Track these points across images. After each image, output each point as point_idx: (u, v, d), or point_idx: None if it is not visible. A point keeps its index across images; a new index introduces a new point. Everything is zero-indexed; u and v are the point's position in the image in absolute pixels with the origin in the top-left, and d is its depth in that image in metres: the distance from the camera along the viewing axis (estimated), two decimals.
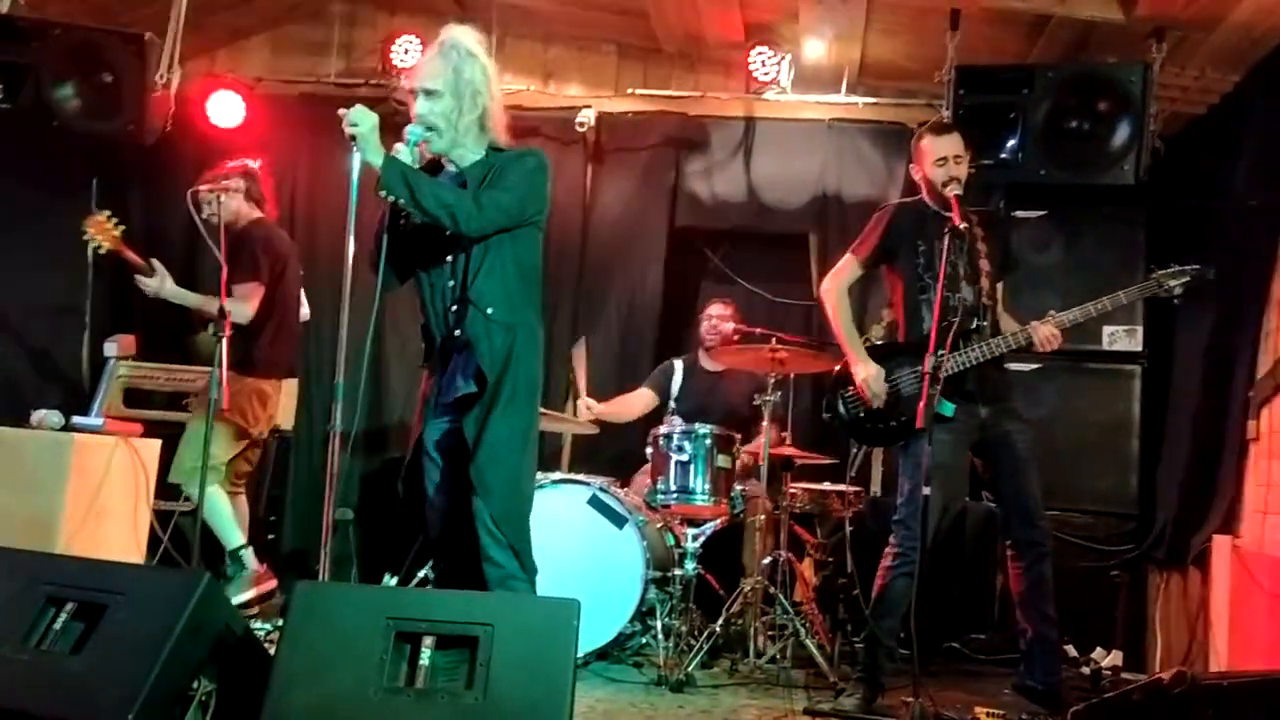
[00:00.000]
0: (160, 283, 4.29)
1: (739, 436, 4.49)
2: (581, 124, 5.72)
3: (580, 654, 2.94)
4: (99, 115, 4.74)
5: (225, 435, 4.31)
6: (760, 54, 5.46)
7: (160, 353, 5.40)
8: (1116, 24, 4.53)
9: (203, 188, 3.86)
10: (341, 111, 2.95)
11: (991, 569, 4.94)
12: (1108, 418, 4.93)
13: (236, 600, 4.11)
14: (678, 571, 4.25)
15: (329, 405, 5.91)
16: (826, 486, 4.70)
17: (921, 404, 3.35)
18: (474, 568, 3.00)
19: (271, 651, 2.64)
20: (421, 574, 4.71)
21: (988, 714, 3.46)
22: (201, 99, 5.70)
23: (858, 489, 4.68)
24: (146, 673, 2.33)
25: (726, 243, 6.11)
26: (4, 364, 5.45)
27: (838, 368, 3.94)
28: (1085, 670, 4.39)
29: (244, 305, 4.35)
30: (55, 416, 3.45)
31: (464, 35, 3.13)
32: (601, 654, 4.18)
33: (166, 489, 3.94)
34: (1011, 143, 4.64)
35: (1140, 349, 4.90)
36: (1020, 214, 5.01)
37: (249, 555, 4.28)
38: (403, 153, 3.02)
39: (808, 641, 4.13)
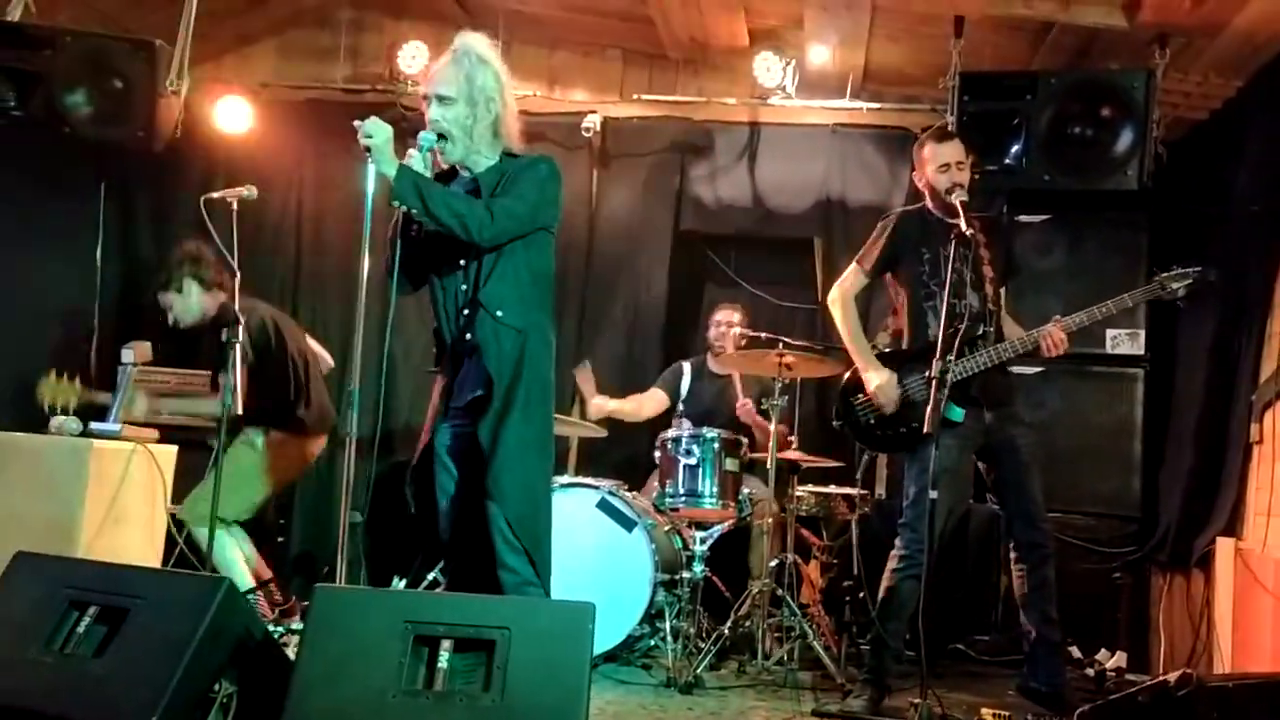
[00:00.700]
0: (146, 404, 4.22)
1: (746, 441, 4.53)
2: (587, 129, 5.75)
3: None
4: (110, 122, 4.77)
5: (259, 492, 4.32)
6: (765, 59, 5.51)
7: (170, 357, 5.43)
8: (1119, 30, 4.56)
9: (215, 195, 3.89)
10: (357, 123, 2.97)
11: (995, 570, 4.98)
12: (1111, 420, 4.97)
13: None
14: (686, 574, 4.29)
15: (335, 410, 5.98)
16: (832, 489, 4.74)
17: (929, 409, 3.38)
18: (486, 572, 3.02)
19: (289, 655, 2.69)
20: (430, 576, 4.76)
21: (993, 715, 3.49)
22: (208, 105, 5.74)
23: (863, 492, 4.72)
24: (169, 676, 2.36)
25: (731, 247, 6.14)
26: (14, 368, 5.47)
27: (847, 375, 3.97)
28: (1089, 672, 4.43)
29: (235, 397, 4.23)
30: (74, 423, 3.48)
31: (477, 42, 3.17)
32: (610, 656, 4.22)
33: (181, 494, 3.97)
34: (1015, 148, 4.68)
35: (1143, 352, 4.94)
36: (1023, 219, 5.05)
37: (256, 601, 4.28)
38: (415, 159, 3.04)
39: (814, 643, 4.17)
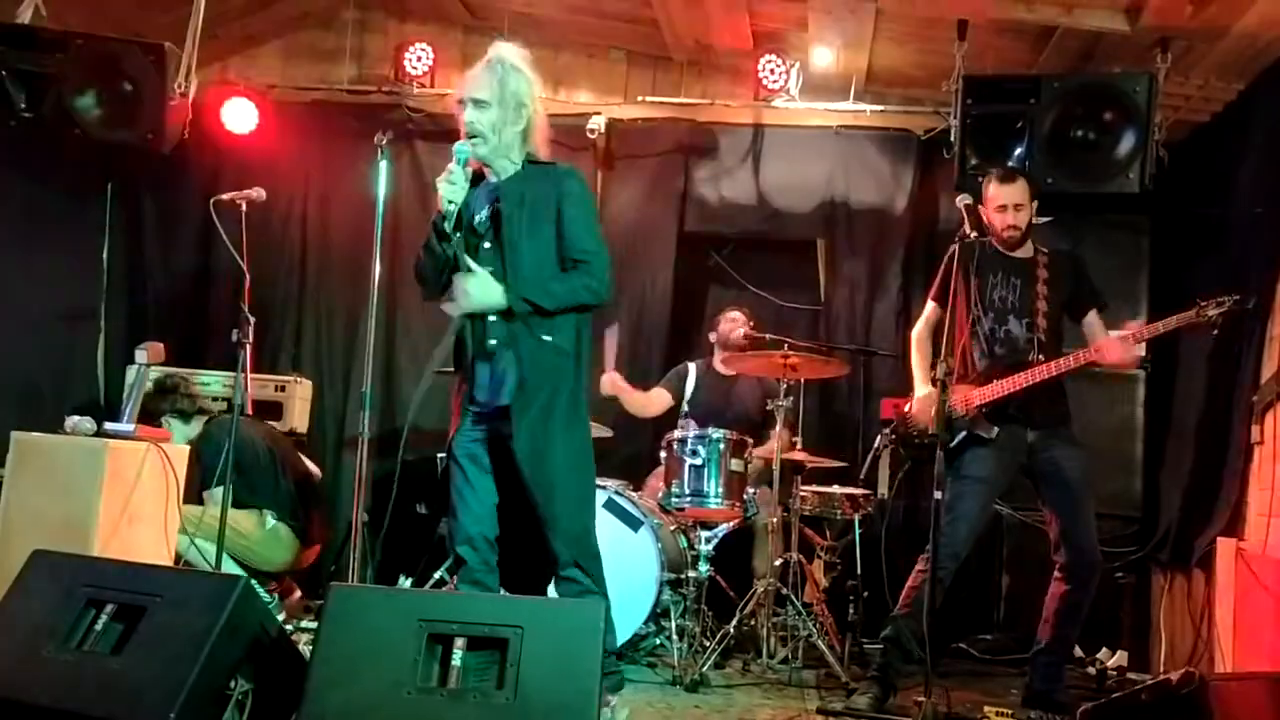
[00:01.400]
0: None
1: (751, 441, 4.56)
2: (591, 131, 5.77)
3: None
4: (119, 124, 4.80)
5: (236, 556, 4.24)
6: (769, 61, 5.56)
7: (177, 358, 5.47)
8: (1122, 34, 4.59)
9: (225, 197, 3.92)
10: (460, 287, 3.08)
11: (998, 571, 5.02)
12: (1112, 422, 5.01)
13: None
14: (691, 574, 4.32)
15: (340, 410, 6.00)
16: (836, 489, 4.77)
17: (934, 411, 3.44)
18: (522, 571, 3.14)
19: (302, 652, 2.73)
20: (437, 575, 4.79)
21: (997, 714, 3.53)
22: (215, 106, 5.77)
23: (866, 492, 4.75)
24: (187, 673, 2.40)
25: (735, 248, 6.17)
26: (22, 368, 5.51)
27: (907, 406, 4.08)
28: (1091, 670, 4.47)
29: (210, 508, 4.15)
30: (88, 423, 3.51)
31: (510, 51, 3.26)
32: (617, 655, 4.24)
33: (192, 494, 4.00)
34: (1018, 151, 4.71)
35: (1144, 354, 4.97)
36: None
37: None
38: (456, 172, 3.11)
39: (818, 642, 4.20)
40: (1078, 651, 4.58)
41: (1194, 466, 4.64)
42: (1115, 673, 4.45)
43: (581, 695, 2.36)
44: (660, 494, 4.54)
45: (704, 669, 3.98)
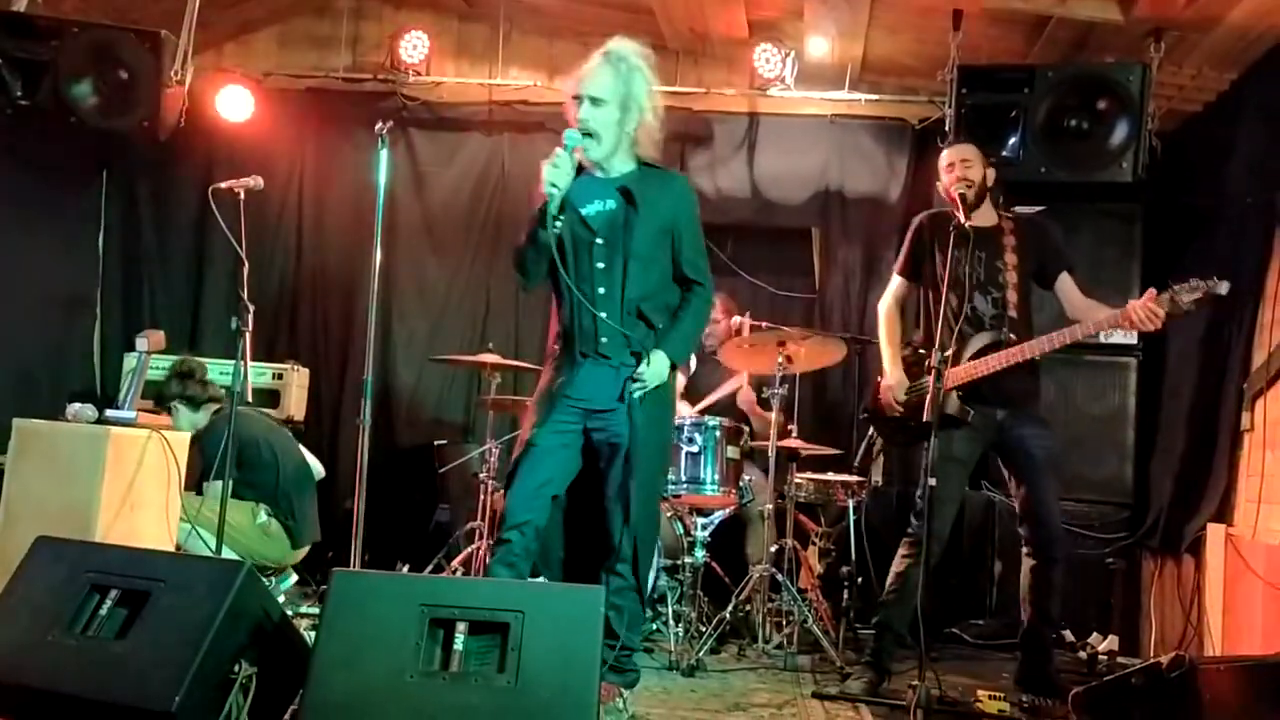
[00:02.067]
0: None
1: (747, 429, 4.59)
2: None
3: None
4: (116, 111, 4.81)
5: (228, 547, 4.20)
6: (764, 50, 5.57)
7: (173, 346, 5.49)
8: (1115, 24, 4.62)
9: (223, 185, 3.92)
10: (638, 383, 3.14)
11: (990, 556, 5.06)
12: (1104, 408, 5.05)
13: None
14: (687, 560, 4.36)
15: (336, 398, 6.01)
16: (830, 476, 4.80)
17: (928, 400, 3.46)
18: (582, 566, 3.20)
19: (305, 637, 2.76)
20: (434, 561, 4.84)
21: (989, 697, 3.56)
22: (210, 93, 5.77)
23: (861, 479, 4.79)
24: (191, 657, 2.43)
25: (730, 236, 6.18)
26: (18, 356, 5.52)
27: (880, 377, 4.06)
28: (1082, 655, 4.51)
29: (209, 500, 4.12)
30: (89, 410, 3.53)
31: (631, 49, 3.24)
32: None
33: (192, 482, 4.02)
34: (1012, 140, 4.74)
35: (1135, 341, 5.00)
36: (1019, 209, 5.11)
37: None
38: (562, 157, 3.09)
39: (813, 627, 4.24)
40: (1069, 636, 4.64)
41: (1185, 453, 4.69)
42: (1106, 657, 4.49)
43: (582, 678, 2.39)
44: None
45: (700, 654, 4.01)
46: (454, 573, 4.67)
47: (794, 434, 4.72)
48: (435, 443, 5.63)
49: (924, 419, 3.47)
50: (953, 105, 4.76)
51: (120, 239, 6.10)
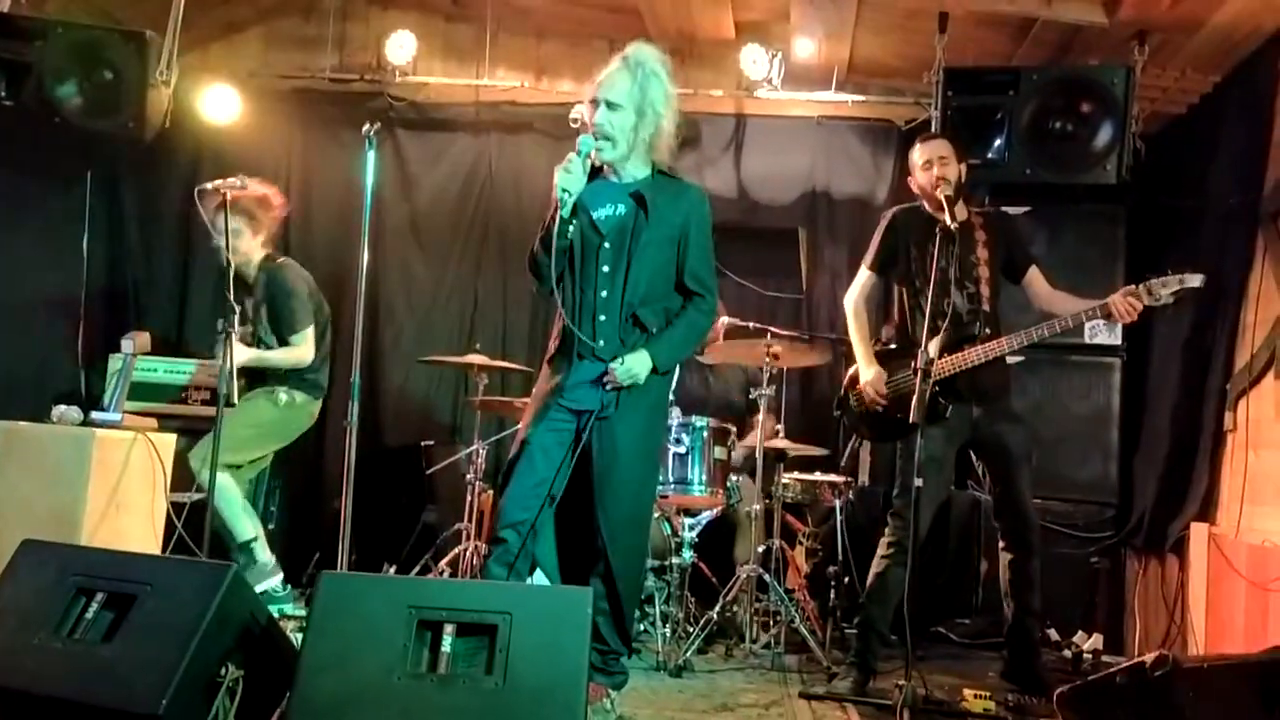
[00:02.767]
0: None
1: (734, 429, 4.60)
2: (574, 120, 5.75)
3: None
4: (100, 112, 4.77)
5: (264, 448, 4.57)
6: (751, 51, 5.59)
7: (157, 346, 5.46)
8: (1100, 27, 4.65)
9: (209, 186, 3.90)
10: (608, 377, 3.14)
11: (976, 555, 5.08)
12: (1088, 409, 5.08)
13: None
14: (675, 560, 4.37)
15: (325, 399, 5.99)
16: (817, 476, 4.82)
17: (914, 400, 3.47)
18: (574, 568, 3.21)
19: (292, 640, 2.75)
20: (421, 563, 4.83)
21: (975, 696, 3.58)
22: (196, 94, 5.73)
23: (848, 479, 4.80)
24: (177, 660, 2.42)
25: (716, 237, 6.17)
26: (2, 356, 5.48)
27: (851, 371, 4.06)
28: (1067, 653, 4.53)
29: (303, 350, 4.57)
30: (74, 412, 3.52)
31: (650, 55, 3.26)
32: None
33: (179, 481, 4.01)
34: (998, 142, 4.76)
35: (1120, 342, 5.04)
36: (1006, 210, 5.13)
37: (260, 548, 4.34)
38: (575, 162, 3.11)
39: (800, 627, 4.25)
40: (1054, 635, 4.66)
41: (1169, 453, 4.72)
42: (1091, 655, 4.52)
43: (569, 679, 2.40)
44: None
45: (687, 654, 4.02)
46: (441, 574, 4.67)
47: (781, 434, 4.73)
48: (422, 443, 5.62)
49: (907, 417, 3.48)
50: (938, 107, 4.78)
51: (105, 240, 6.05)
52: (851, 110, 5.82)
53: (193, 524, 3.63)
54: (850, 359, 4.09)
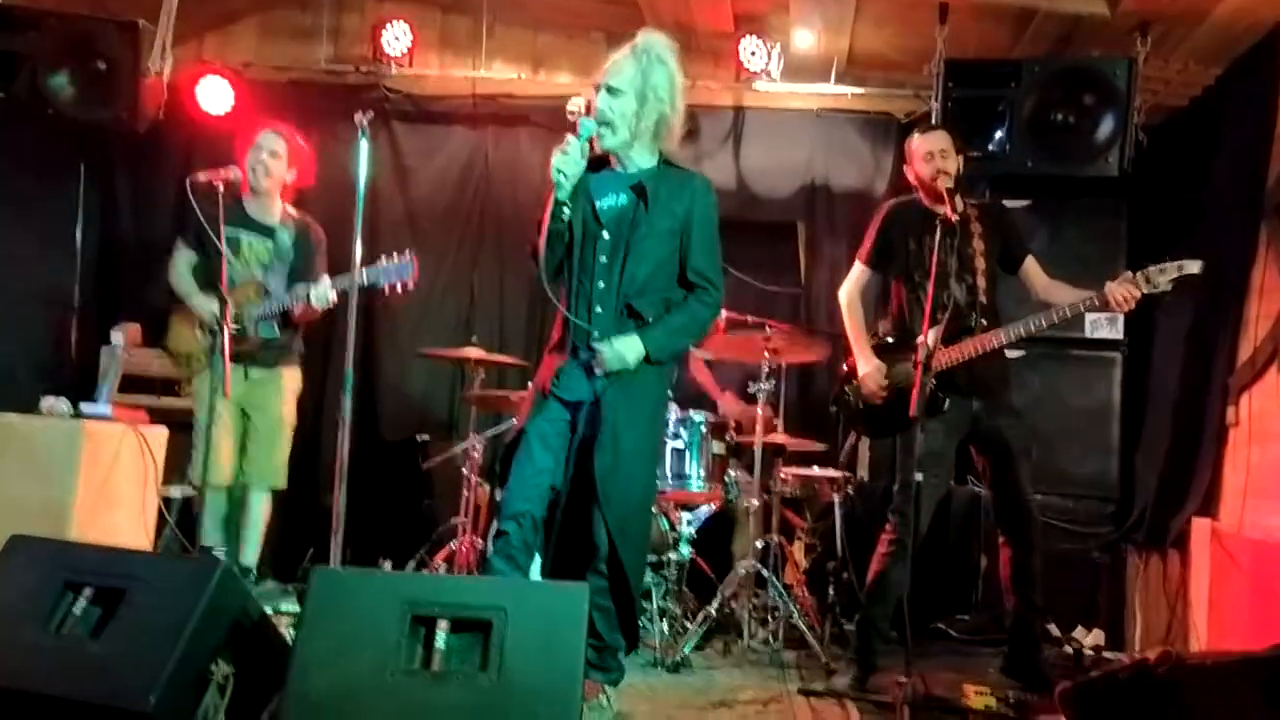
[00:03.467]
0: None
1: (732, 424, 4.57)
2: (572, 112, 5.69)
3: None
4: (93, 103, 4.75)
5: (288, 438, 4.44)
6: (750, 44, 5.53)
7: (151, 338, 5.42)
8: (1102, 18, 4.62)
9: (202, 176, 3.86)
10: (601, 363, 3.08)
11: (975, 551, 5.05)
12: (1089, 403, 5.04)
13: None
14: (673, 556, 4.34)
15: (318, 391, 5.96)
16: (816, 472, 4.79)
17: (914, 394, 3.43)
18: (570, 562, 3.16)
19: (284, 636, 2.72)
20: (416, 557, 4.80)
21: (976, 692, 3.55)
22: (189, 85, 5.68)
23: (846, 474, 4.77)
24: (167, 656, 2.38)
25: None
26: None
27: (846, 364, 4.02)
28: (1068, 649, 4.51)
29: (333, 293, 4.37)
30: (64, 404, 3.48)
31: (657, 42, 3.20)
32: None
33: (169, 475, 3.98)
34: (999, 135, 4.74)
35: (1121, 336, 5.00)
36: (1006, 203, 5.10)
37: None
38: (574, 145, 3.06)
39: (799, 623, 4.22)
40: (1055, 630, 4.63)
41: (1170, 448, 4.69)
42: (1092, 651, 4.49)
43: (565, 676, 2.36)
44: None
45: (685, 650, 3.99)
46: (437, 569, 4.63)
47: (779, 429, 4.70)
48: (419, 437, 5.58)
49: (906, 411, 3.45)
50: (939, 99, 4.76)
51: (98, 232, 6.00)
52: (851, 103, 5.77)
53: (184, 520, 3.60)
54: (848, 354, 4.05)
